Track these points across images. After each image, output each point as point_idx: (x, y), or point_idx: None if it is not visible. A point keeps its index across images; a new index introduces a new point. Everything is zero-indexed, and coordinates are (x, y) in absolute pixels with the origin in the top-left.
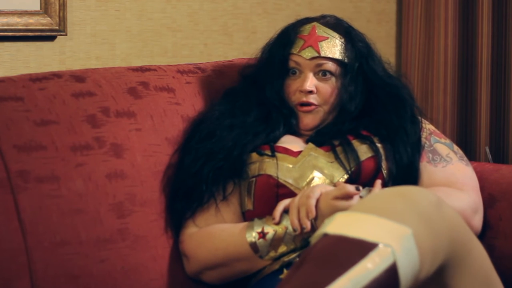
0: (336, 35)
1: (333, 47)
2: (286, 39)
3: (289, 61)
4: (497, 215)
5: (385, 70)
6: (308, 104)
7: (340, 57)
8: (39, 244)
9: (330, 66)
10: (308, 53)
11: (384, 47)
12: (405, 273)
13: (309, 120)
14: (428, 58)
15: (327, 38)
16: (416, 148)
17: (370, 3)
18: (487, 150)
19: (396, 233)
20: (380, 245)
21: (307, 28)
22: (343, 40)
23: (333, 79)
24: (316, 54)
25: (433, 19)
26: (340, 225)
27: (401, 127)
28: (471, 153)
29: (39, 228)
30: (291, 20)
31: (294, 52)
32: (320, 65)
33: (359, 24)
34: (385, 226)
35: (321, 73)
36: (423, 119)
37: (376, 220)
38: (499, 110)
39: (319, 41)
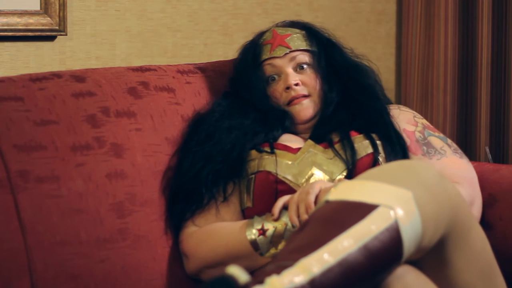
0: (296, 30)
1: (298, 40)
2: (252, 54)
3: (265, 68)
4: (497, 215)
5: (343, 54)
6: (299, 97)
7: (308, 48)
8: (39, 244)
9: (304, 57)
10: (280, 51)
11: (384, 47)
12: (408, 235)
13: (304, 111)
14: (428, 58)
15: (290, 34)
16: (396, 130)
17: (370, 3)
18: (487, 150)
19: (397, 196)
20: (381, 206)
21: (268, 34)
22: (303, 33)
23: (311, 69)
24: (287, 50)
25: (433, 19)
26: (341, 191)
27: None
28: (471, 153)
29: (39, 228)
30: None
31: (266, 57)
32: (294, 58)
33: (359, 24)
34: (385, 189)
35: (299, 67)
36: (418, 116)
37: (377, 185)
38: (499, 110)
39: (285, 39)
